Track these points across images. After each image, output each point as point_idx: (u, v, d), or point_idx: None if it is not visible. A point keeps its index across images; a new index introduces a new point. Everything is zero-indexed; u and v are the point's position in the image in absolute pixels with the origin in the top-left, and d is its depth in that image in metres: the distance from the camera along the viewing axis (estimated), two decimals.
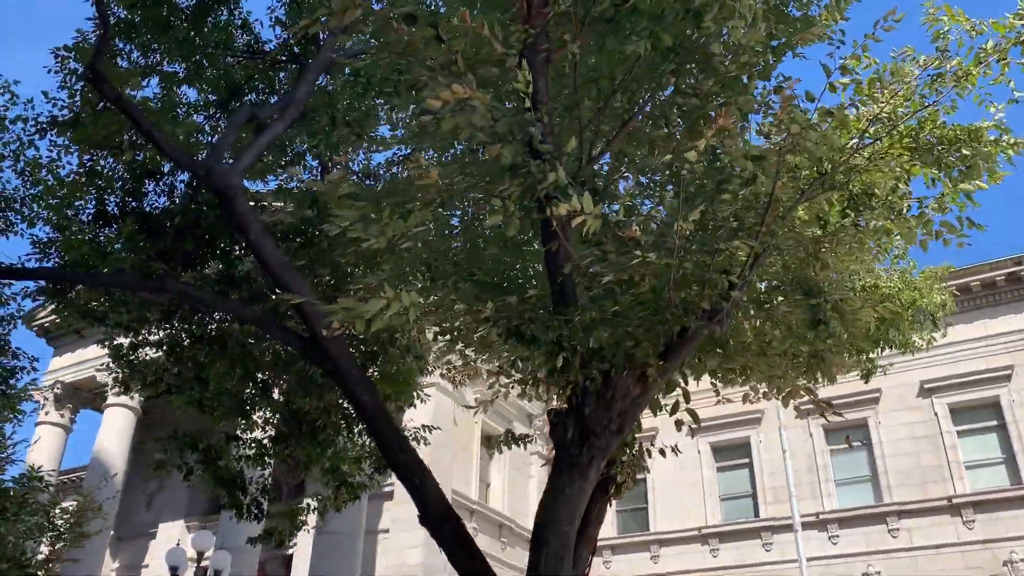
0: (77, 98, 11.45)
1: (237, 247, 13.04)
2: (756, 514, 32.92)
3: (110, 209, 12.22)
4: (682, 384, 8.13)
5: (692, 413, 8.33)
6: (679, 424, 8.56)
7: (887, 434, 31.70)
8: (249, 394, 12.20)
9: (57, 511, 15.13)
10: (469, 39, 7.04)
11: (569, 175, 6.81)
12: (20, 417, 13.34)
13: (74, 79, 11.37)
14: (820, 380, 9.32)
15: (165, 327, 12.85)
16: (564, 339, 7.50)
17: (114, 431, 33.06)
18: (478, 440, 33.59)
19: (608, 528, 34.42)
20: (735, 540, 32.47)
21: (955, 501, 29.41)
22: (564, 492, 7.77)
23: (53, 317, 34.20)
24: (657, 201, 7.51)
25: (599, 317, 7.27)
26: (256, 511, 12.45)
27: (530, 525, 29.43)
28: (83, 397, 34.83)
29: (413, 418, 31.12)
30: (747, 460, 34.29)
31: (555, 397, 7.80)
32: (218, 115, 12.42)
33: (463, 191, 7.55)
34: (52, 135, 11.37)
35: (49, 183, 11.74)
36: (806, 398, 9.06)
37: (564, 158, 7.12)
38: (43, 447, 33.21)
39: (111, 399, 33.41)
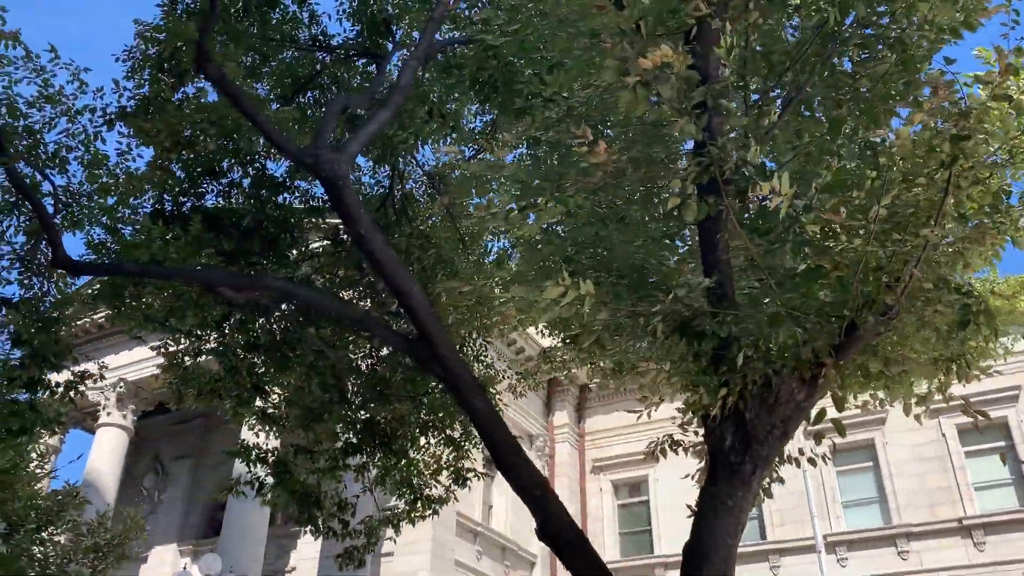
0: (146, 88, 10.78)
1: (294, 250, 12.45)
2: (762, 536, 32.45)
3: (167, 208, 11.55)
4: (836, 390, 7.59)
5: (838, 424, 7.77)
6: (819, 437, 8.04)
7: (894, 454, 31.41)
8: (320, 403, 11.49)
9: (96, 527, 14.21)
10: (642, 7, 6.54)
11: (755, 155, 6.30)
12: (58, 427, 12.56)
13: (147, 67, 10.71)
14: (958, 382, 8.83)
15: (216, 335, 12.19)
16: (733, 337, 6.98)
17: (106, 451, 31.96)
18: (480, 464, 32.88)
19: (610, 550, 33.81)
20: (741, 563, 31.89)
21: (965, 523, 29.13)
22: (725, 504, 7.21)
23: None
24: (819, 185, 6.96)
25: (771, 312, 6.74)
26: (342, 528, 11.72)
27: (532, 548, 28.97)
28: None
29: None
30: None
31: (707, 402, 7.20)
32: (280, 110, 11.77)
33: (631, 172, 6.97)
34: (120, 127, 10.67)
35: (104, 180, 11.02)
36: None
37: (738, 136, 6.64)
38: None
39: (103, 418, 32.36)
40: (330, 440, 11.95)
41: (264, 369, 12.29)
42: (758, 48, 6.83)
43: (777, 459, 8.82)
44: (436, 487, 12.57)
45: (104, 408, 32.39)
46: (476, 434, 12.38)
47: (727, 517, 7.19)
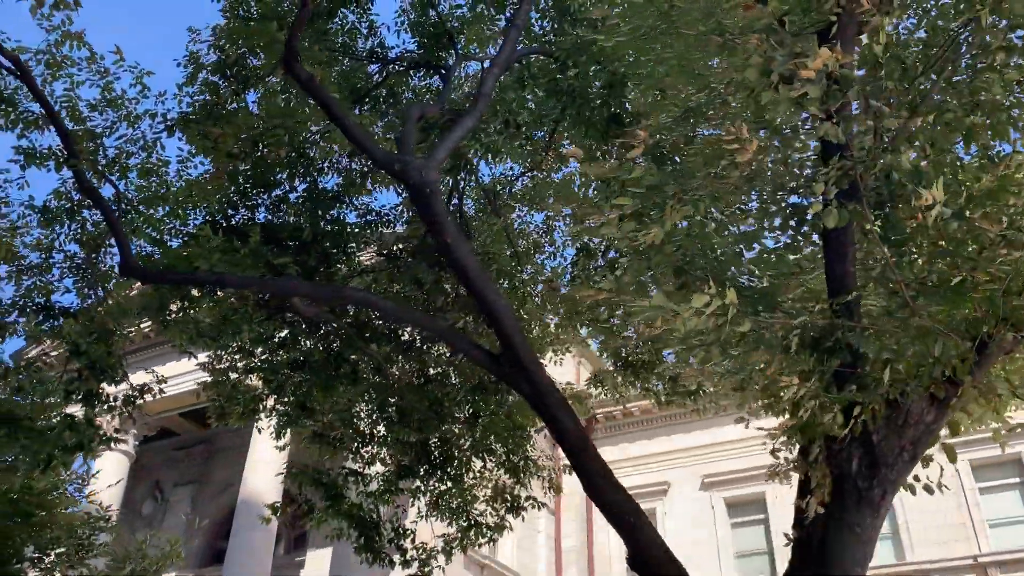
0: (204, 95, 10.44)
1: (343, 266, 12.06)
2: (772, 573, 31.96)
3: (218, 219, 11.15)
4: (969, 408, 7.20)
5: (949, 450, 7.37)
6: (927, 460, 7.65)
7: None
8: (373, 424, 11.05)
9: (134, 554, 13.63)
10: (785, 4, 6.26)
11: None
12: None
13: (206, 72, 10.37)
14: None
15: (262, 352, 11.76)
16: (860, 354, 6.63)
17: (105, 477, 31.15)
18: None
19: None
20: None
21: (980, 560, 28.75)
22: (854, 531, 6.81)
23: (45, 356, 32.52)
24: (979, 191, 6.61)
25: (917, 326, 6.39)
26: (401, 556, 11.24)
27: None
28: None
29: None
30: (763, 516, 33.37)
31: (838, 422, 6.82)
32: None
33: (765, 175, 6.64)
34: (179, 134, 10.30)
35: (159, 188, 10.64)
36: None
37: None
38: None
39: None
40: (382, 462, 11.49)
41: (309, 388, 11.85)
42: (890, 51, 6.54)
43: None
44: (491, 515, 12.10)
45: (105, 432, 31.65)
46: (534, 460, 11.99)
47: (856, 546, 6.80)
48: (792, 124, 7.02)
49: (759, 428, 9.54)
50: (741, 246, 7.45)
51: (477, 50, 12.32)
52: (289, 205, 11.92)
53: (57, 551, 12.46)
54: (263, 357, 11.65)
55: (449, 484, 11.48)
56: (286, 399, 11.94)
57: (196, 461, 34.57)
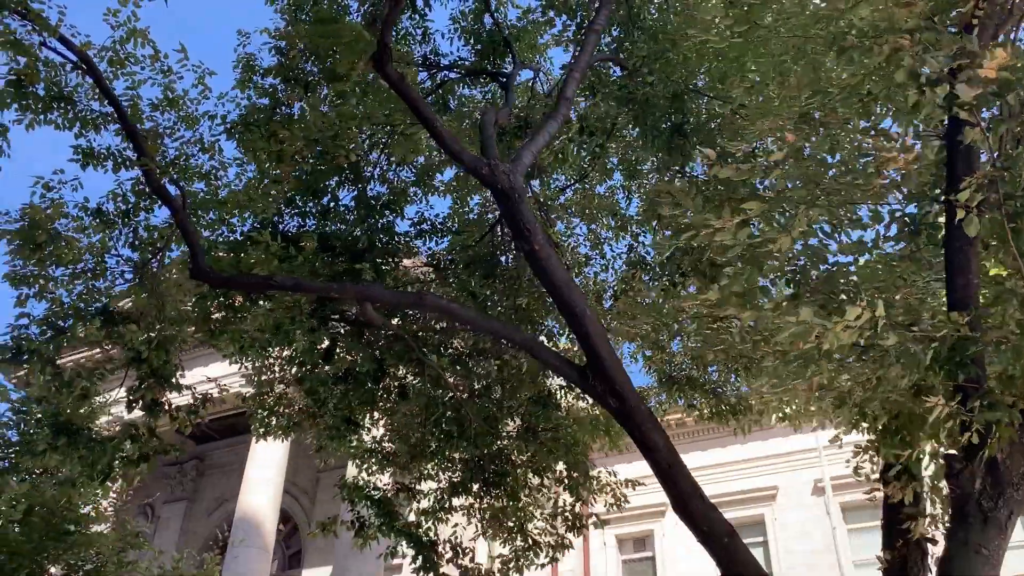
0: (264, 98, 10.13)
1: (389, 279, 11.75)
2: None
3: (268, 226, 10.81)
4: None
5: None
6: None
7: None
8: (425, 438, 10.72)
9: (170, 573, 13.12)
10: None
11: None
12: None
13: (259, 75, 10.08)
14: None
15: (307, 363, 11.36)
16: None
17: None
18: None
19: None
20: None
21: None
22: (980, 553, 6.58)
23: None
24: None
25: None
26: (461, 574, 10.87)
27: None
28: None
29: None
30: (762, 539, 33.17)
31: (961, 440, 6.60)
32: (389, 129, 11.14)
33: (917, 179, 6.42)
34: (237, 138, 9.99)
35: (206, 192, 10.32)
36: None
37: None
38: None
39: None
40: (430, 478, 11.15)
41: (353, 402, 11.50)
42: None
43: None
44: (550, 533, 11.76)
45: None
46: (594, 477, 11.68)
47: (983, 567, 6.57)
48: (922, 129, 6.82)
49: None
50: (854, 256, 7.25)
51: (530, 58, 12.13)
52: (336, 214, 11.64)
53: (86, 568, 11.98)
54: (305, 369, 11.26)
55: (505, 501, 11.15)
56: (330, 413, 11.56)
57: (188, 477, 33.89)
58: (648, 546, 34.38)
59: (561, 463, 11.46)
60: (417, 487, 11.64)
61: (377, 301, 8.76)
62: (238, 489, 29.56)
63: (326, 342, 11.24)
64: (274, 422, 11.83)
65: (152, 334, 8.90)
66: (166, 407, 9.76)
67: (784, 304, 6.98)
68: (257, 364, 11.68)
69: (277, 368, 11.68)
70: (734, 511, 29.05)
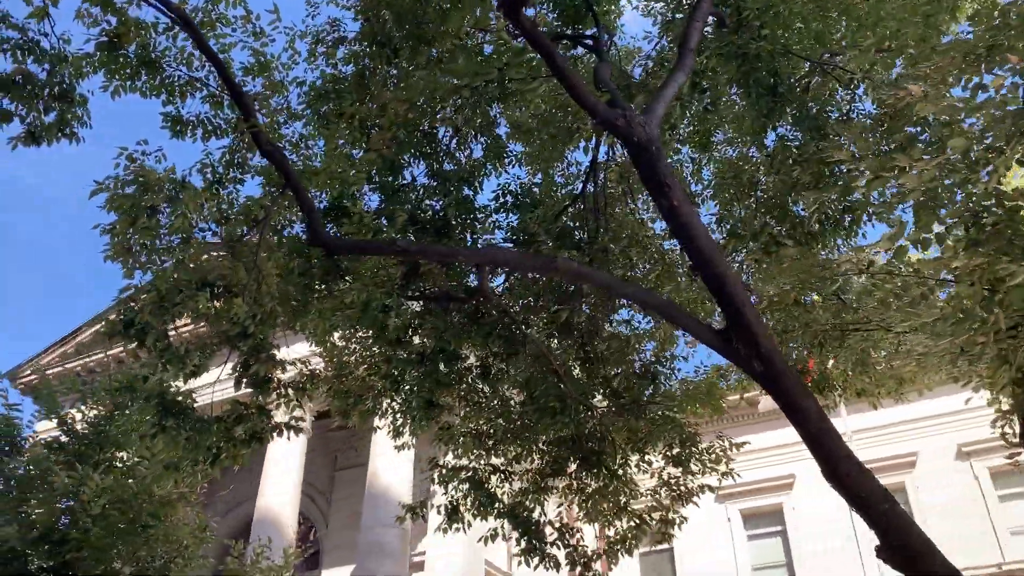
0: (350, 65, 9.68)
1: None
2: None
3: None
4: None
5: None
6: None
7: (928, 498, 30.84)
8: (521, 416, 10.28)
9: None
10: None
11: None
12: None
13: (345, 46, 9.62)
14: None
15: (386, 344, 10.85)
16: None
17: None
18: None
19: None
20: None
21: (1005, 568, 28.55)
22: None
23: (34, 377, 31.15)
24: None
25: None
26: (569, 556, 10.41)
27: None
28: None
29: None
30: (780, 527, 32.89)
31: None
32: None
33: None
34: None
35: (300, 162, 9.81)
36: None
37: None
38: None
39: None
40: (520, 458, 10.70)
41: (435, 383, 11.02)
42: None
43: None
44: (657, 509, 11.34)
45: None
46: (698, 451, 11.26)
47: None
48: None
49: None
50: None
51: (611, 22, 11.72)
52: (412, 188, 11.19)
53: (155, 565, 11.40)
54: (387, 349, 10.75)
55: (606, 480, 10.72)
56: (412, 395, 11.07)
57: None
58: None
59: (663, 438, 11.02)
60: (510, 468, 11.18)
61: (506, 265, 8.33)
62: (253, 491, 28.98)
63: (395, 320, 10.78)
64: (352, 405, 11.30)
65: (257, 309, 8.38)
66: (275, 384, 9.28)
67: (960, 249, 6.67)
68: (340, 345, 11.17)
69: (359, 348, 11.16)
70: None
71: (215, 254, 8.68)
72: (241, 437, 8.78)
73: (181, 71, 9.16)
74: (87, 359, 30.76)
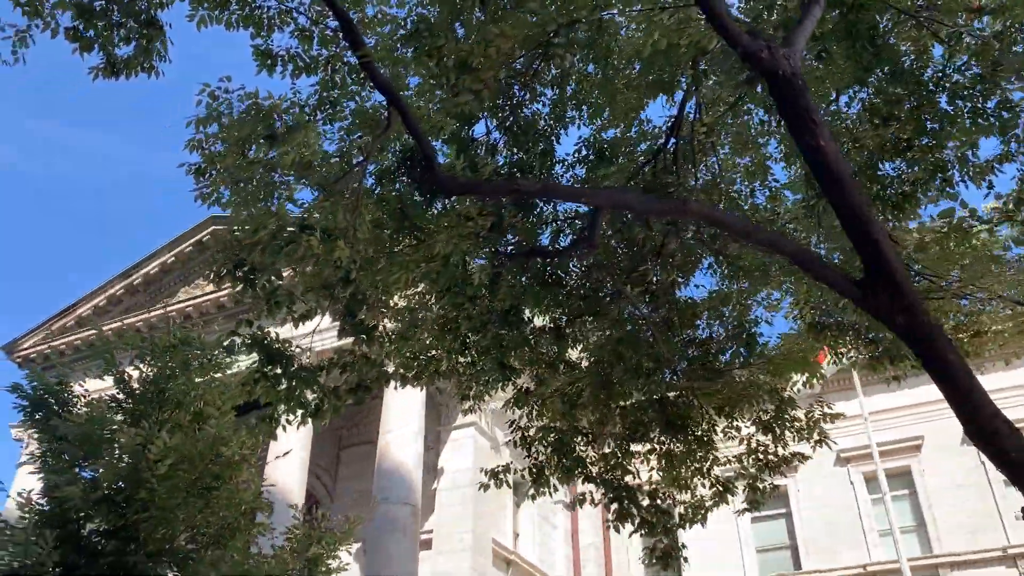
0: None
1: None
2: (797, 567, 31.51)
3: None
4: None
5: None
6: None
7: (934, 481, 30.77)
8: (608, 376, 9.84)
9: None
10: None
11: None
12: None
13: None
14: None
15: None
16: None
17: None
18: (510, 489, 31.15)
19: None
20: None
21: (1010, 551, 28.62)
22: None
23: (42, 347, 30.44)
24: None
25: None
26: (662, 522, 10.02)
27: None
28: None
29: (450, 459, 29.07)
30: (785, 510, 32.76)
31: None
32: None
33: None
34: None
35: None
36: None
37: None
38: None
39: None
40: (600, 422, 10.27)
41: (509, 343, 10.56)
42: None
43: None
44: (744, 476, 10.97)
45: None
46: (789, 416, 10.86)
47: None
48: None
49: None
50: None
51: None
52: (483, 141, 10.69)
53: (209, 532, 10.85)
54: (463, 309, 10.24)
55: (691, 446, 10.34)
56: (476, 357, 10.62)
57: None
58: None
59: (755, 403, 10.63)
60: (592, 432, 10.78)
61: (632, 208, 7.88)
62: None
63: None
64: (423, 367, 10.79)
65: (356, 255, 7.88)
66: (379, 333, 8.78)
67: None
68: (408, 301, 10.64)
69: (433, 306, 10.64)
70: None
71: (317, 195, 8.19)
72: (345, 388, 8.31)
73: (270, 3, 8.62)
74: (89, 332, 30.09)
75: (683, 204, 7.33)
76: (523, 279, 10.68)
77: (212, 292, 28.58)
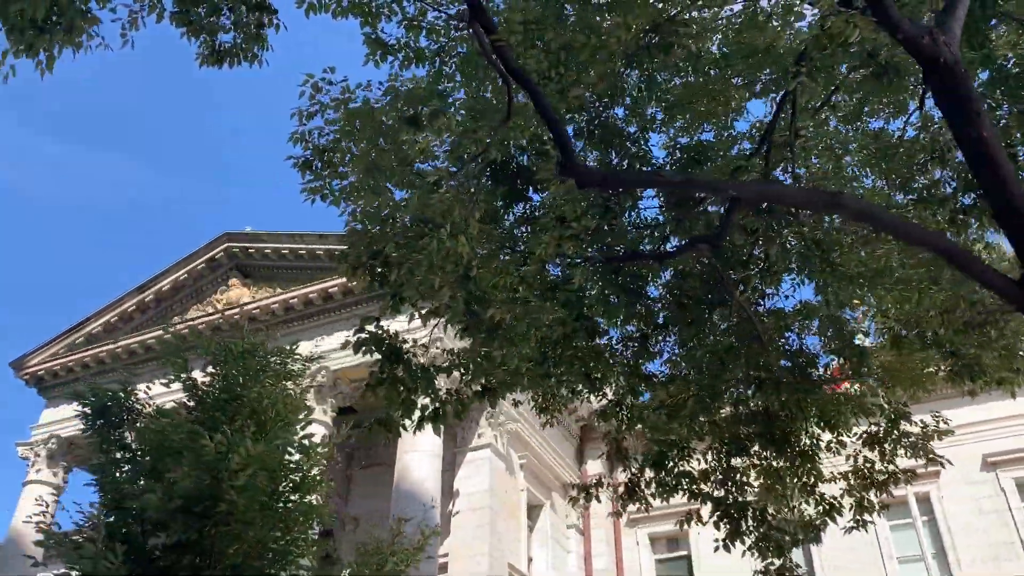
0: None
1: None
2: None
3: None
4: None
5: None
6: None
7: (953, 507, 30.22)
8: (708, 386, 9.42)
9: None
10: None
11: None
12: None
13: None
14: None
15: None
16: None
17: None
18: (524, 510, 30.74)
19: None
20: None
21: None
22: None
23: (51, 364, 29.73)
24: None
25: None
26: (777, 540, 9.56)
27: None
28: (79, 455, 30.09)
29: (466, 481, 28.54)
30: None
31: None
32: None
33: None
34: None
35: None
36: None
37: None
38: (29, 510, 28.33)
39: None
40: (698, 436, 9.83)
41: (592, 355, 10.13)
42: None
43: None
44: (851, 494, 10.52)
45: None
46: (900, 432, 10.39)
47: None
48: None
49: None
50: None
51: None
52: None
53: (274, 547, 10.30)
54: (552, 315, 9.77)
55: (793, 460, 9.91)
56: (558, 367, 10.16)
57: None
58: (682, 545, 33.37)
59: (862, 416, 10.20)
60: (690, 446, 10.33)
61: (780, 201, 7.50)
62: None
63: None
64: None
65: (473, 254, 7.46)
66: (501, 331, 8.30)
67: None
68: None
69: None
70: None
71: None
72: (467, 391, 7.86)
73: None
74: (98, 350, 29.51)
75: (835, 196, 6.93)
76: (604, 289, 10.27)
77: (226, 309, 28.08)
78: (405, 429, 8.26)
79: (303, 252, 28.52)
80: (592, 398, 10.18)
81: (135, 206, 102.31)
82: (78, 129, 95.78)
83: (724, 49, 10.38)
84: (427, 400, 7.95)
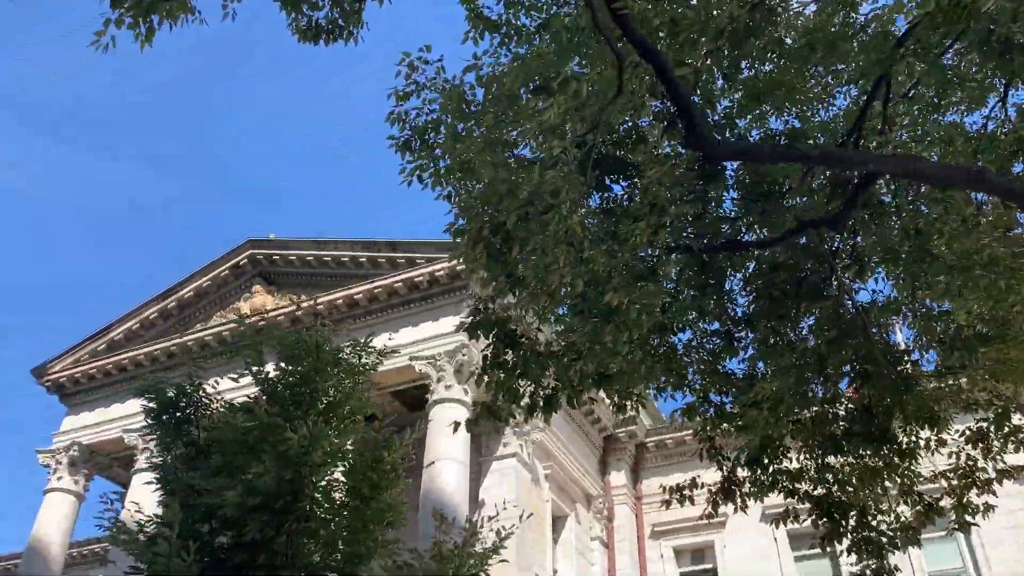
0: None
1: None
2: None
3: None
4: None
5: None
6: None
7: (989, 523, 29.58)
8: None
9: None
10: None
11: None
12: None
13: None
14: None
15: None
16: None
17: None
18: (549, 521, 30.27)
19: None
20: None
21: None
22: None
23: (72, 371, 29.32)
24: None
25: None
26: (878, 541, 9.15)
27: None
28: (100, 462, 29.70)
29: (492, 490, 28.08)
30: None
31: None
32: None
33: None
34: None
35: None
36: None
37: None
38: (50, 518, 27.96)
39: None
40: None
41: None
42: None
43: None
44: (951, 495, 10.12)
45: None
46: (1011, 426, 9.97)
47: None
48: None
49: None
50: None
51: None
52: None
53: (342, 549, 9.91)
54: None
55: (895, 458, 9.52)
56: (639, 363, 9.77)
57: None
58: (708, 558, 32.95)
59: (967, 411, 9.80)
60: (784, 443, 9.93)
61: (924, 177, 7.16)
62: None
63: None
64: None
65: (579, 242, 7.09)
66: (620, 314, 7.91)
67: None
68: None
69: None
70: None
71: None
72: (578, 376, 7.47)
73: None
74: (120, 356, 29.12)
75: (981, 172, 6.60)
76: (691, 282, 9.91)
77: (248, 317, 27.67)
78: (514, 417, 7.90)
79: (327, 259, 28.15)
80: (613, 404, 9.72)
81: (135, 206, 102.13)
82: (78, 129, 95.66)
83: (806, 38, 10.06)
84: (532, 387, 7.58)
